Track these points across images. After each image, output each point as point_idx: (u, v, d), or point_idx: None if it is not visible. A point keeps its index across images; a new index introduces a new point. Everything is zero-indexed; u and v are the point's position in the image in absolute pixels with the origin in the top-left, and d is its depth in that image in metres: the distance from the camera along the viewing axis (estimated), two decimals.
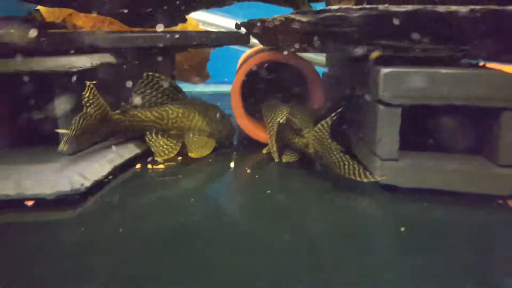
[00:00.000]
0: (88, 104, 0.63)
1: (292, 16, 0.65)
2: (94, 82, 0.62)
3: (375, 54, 0.60)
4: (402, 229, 0.51)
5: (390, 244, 0.49)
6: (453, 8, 0.58)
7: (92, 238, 0.49)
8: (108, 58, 0.70)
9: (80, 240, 0.49)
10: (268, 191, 0.61)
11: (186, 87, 1.37)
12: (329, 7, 0.63)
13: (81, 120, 0.63)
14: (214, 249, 0.47)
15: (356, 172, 0.58)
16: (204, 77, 1.29)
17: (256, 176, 0.68)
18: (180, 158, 0.76)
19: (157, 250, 0.47)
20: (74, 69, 0.62)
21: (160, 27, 0.76)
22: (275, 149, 0.71)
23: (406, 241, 0.49)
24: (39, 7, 0.83)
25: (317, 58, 1.29)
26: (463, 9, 0.58)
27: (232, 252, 0.46)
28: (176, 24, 0.84)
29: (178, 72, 1.22)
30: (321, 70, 1.04)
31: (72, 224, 0.53)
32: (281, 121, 0.69)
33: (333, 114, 0.61)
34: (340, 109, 0.62)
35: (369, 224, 0.54)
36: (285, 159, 0.72)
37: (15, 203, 0.56)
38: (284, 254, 0.45)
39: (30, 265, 0.44)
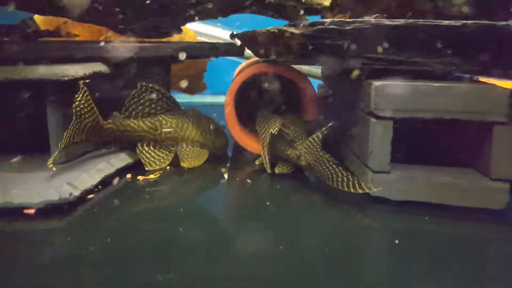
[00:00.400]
0: (79, 109, 0.62)
1: (285, 28, 0.65)
2: (87, 80, 0.62)
3: (355, 73, 0.60)
4: (396, 241, 0.50)
5: (384, 256, 0.49)
6: (445, 22, 0.58)
7: (78, 247, 0.49)
8: (101, 67, 0.70)
9: (65, 249, 0.48)
10: (267, 203, 0.61)
11: (183, 97, 1.38)
12: (322, 19, 0.63)
13: (72, 128, 0.62)
14: (203, 260, 0.46)
15: (351, 183, 0.58)
16: (201, 88, 1.30)
17: (248, 187, 0.68)
18: (168, 167, 0.75)
19: (145, 260, 0.46)
20: (66, 78, 0.62)
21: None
22: (267, 160, 0.71)
23: (400, 253, 0.48)
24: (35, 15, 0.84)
25: (314, 70, 1.30)
26: (455, 23, 0.58)
27: (222, 263, 0.46)
28: (171, 35, 0.85)
29: (174, 82, 1.22)
30: (318, 82, 1.04)
31: (59, 233, 0.53)
32: (273, 132, 0.69)
33: (323, 129, 0.61)
34: (330, 124, 0.62)
35: (362, 236, 0.53)
36: (277, 170, 0.72)
37: (3, 212, 0.55)
38: (277, 266, 0.45)
39: (13, 274, 0.43)
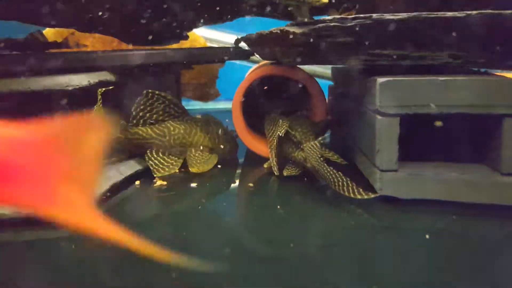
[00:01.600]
0: None
1: (287, 28, 0.64)
2: (110, 87, 0.63)
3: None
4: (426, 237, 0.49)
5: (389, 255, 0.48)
6: (449, 14, 0.57)
7: (83, 256, 0.49)
8: (107, 76, 0.71)
9: (71, 258, 0.49)
10: (276, 206, 0.61)
11: (196, 105, 1.39)
12: (323, 17, 0.63)
13: None
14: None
15: (350, 189, 0.59)
16: (213, 95, 1.30)
17: (256, 191, 0.68)
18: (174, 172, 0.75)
19: (154, 269, 0.45)
20: (71, 87, 0.63)
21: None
22: (275, 163, 0.70)
23: (408, 256, 0.47)
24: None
25: (325, 71, 1.29)
26: (458, 14, 0.56)
27: (234, 264, 0.46)
28: (178, 42, 0.85)
29: (187, 90, 1.23)
30: (328, 83, 1.03)
31: (65, 241, 0.53)
32: (280, 135, 0.68)
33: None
34: (327, 134, 0.63)
35: (377, 238, 0.53)
36: (286, 173, 0.71)
37: (11, 223, 0.56)
38: (294, 271, 0.44)
39: (18, 283, 0.44)
